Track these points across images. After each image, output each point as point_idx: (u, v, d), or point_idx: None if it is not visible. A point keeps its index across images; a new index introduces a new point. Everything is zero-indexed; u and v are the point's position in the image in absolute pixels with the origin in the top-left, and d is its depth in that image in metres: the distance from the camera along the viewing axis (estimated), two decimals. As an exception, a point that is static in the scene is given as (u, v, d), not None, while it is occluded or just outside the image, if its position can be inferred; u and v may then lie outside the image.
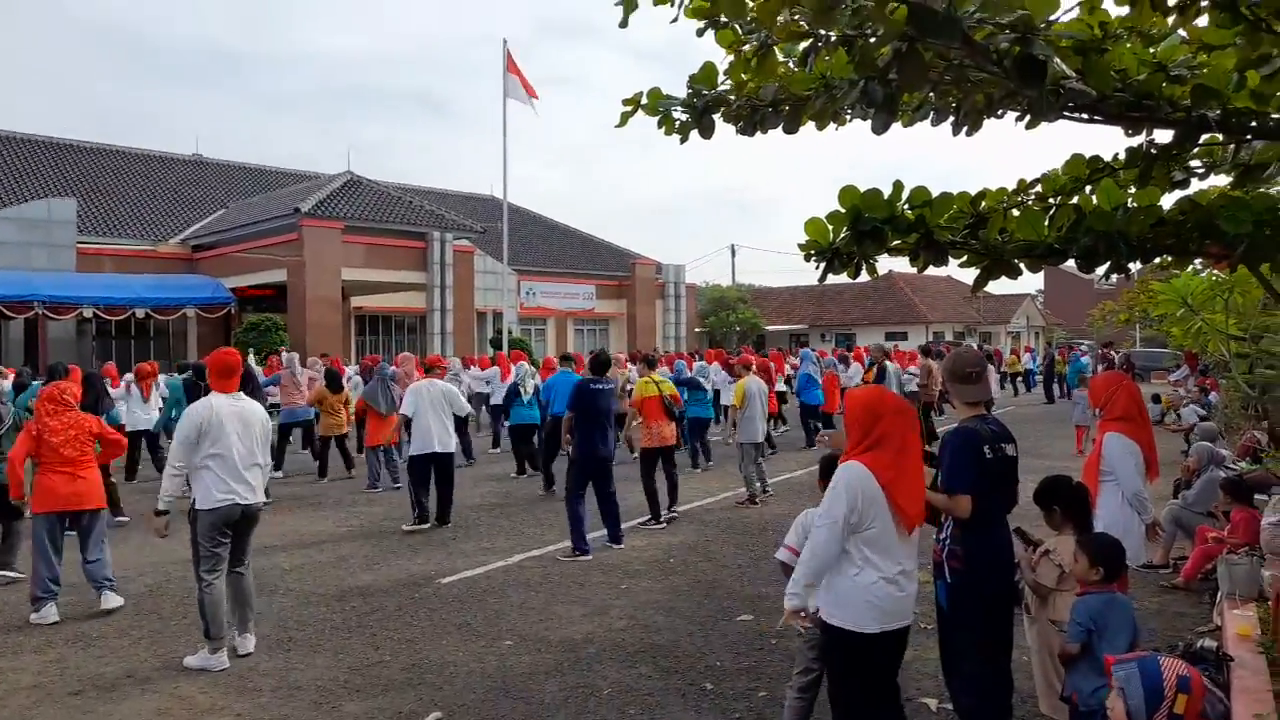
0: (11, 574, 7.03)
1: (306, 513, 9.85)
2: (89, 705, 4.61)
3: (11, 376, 11.49)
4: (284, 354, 14.42)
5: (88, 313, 21.80)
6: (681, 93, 4.17)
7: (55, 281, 21.54)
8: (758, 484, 10.13)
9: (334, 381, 12.39)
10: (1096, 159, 4.12)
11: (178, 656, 5.30)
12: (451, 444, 9.16)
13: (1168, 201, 3.78)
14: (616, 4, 3.07)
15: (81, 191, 26.87)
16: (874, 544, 3.21)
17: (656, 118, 4.19)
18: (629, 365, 15.30)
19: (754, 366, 10.81)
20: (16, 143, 29.27)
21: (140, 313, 22.69)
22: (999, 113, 3.80)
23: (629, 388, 13.39)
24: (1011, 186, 4.38)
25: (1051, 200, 4.25)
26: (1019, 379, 29.72)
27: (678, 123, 4.21)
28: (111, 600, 6.28)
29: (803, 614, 3.36)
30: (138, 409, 11.43)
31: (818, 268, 3.92)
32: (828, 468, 4.12)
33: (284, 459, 12.46)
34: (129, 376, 11.96)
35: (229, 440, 5.25)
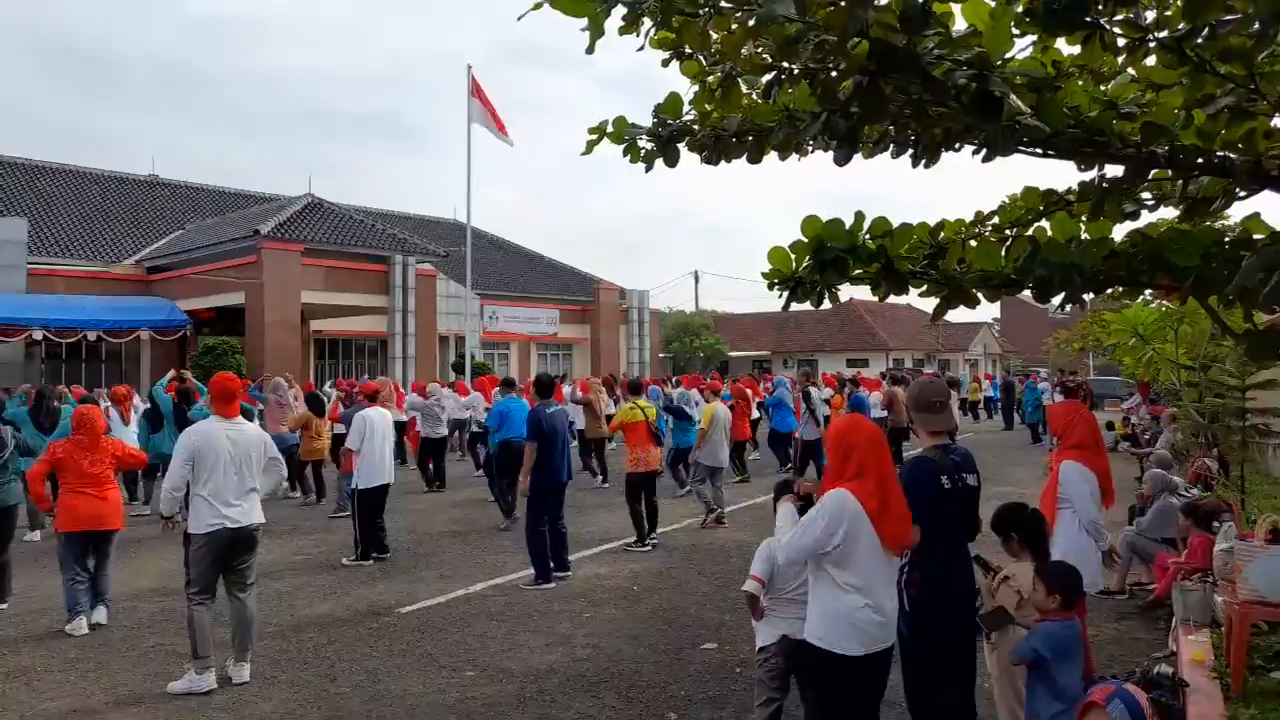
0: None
1: (263, 541, 9.61)
2: (30, 743, 4.44)
3: None
4: (270, 378, 14.03)
5: (37, 334, 21.27)
6: (647, 121, 4.21)
7: (3, 302, 21.00)
8: (713, 504, 10.29)
9: (317, 405, 12.16)
10: (1051, 192, 4.23)
11: (126, 690, 5.14)
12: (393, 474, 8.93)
13: (1119, 233, 3.89)
14: (584, 30, 3.10)
15: (33, 211, 26.32)
16: (858, 571, 3.26)
17: (622, 146, 4.23)
18: (603, 391, 15.27)
19: (722, 391, 11.04)
20: (-34, 161, 28.62)
21: (92, 335, 22.21)
22: (956, 146, 3.89)
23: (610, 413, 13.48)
24: (969, 218, 4.49)
25: (1008, 232, 4.35)
26: (979, 406, 30.15)
27: (643, 151, 4.25)
28: (101, 615, 6.47)
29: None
30: (120, 433, 11.11)
31: (781, 296, 3.96)
32: (781, 494, 4.17)
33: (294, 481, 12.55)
34: (105, 403, 11.75)
35: (222, 466, 5.25)
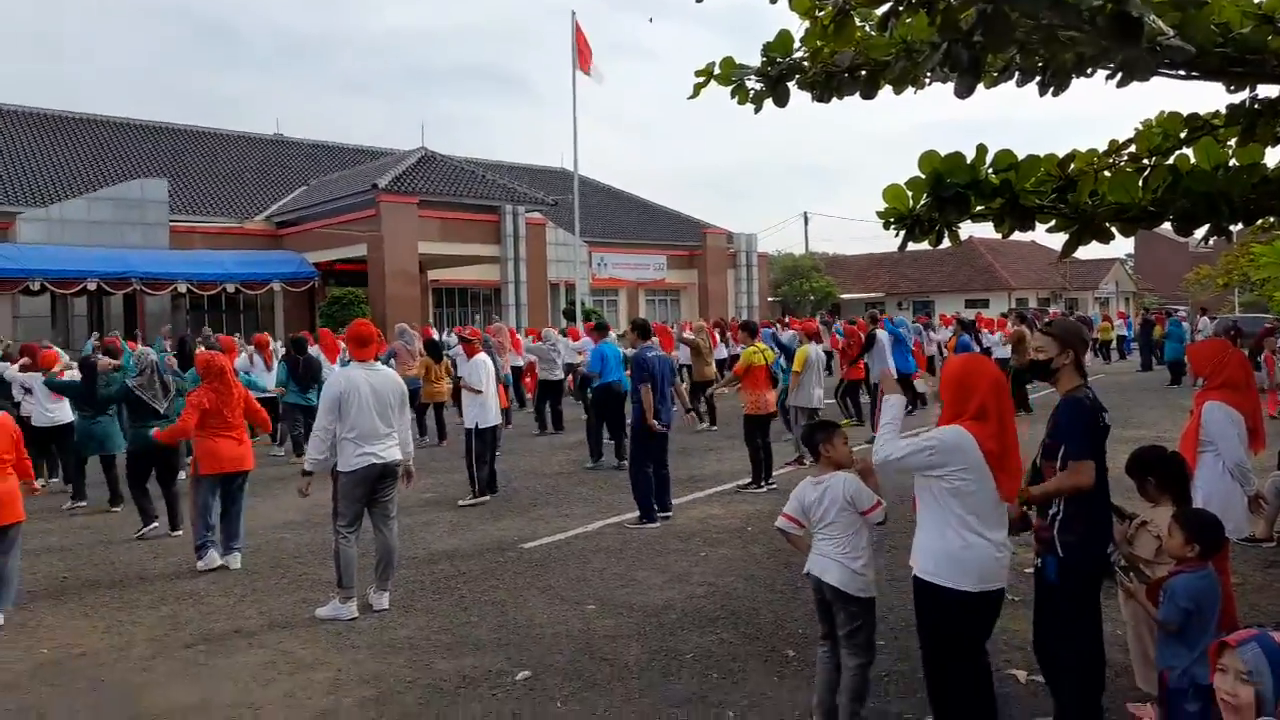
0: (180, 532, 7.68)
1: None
2: (201, 658, 4.92)
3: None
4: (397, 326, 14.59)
5: (181, 288, 22.78)
6: (754, 61, 4.14)
7: (150, 259, 22.54)
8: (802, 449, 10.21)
9: (434, 350, 12.72)
10: (1194, 116, 3.97)
11: (279, 614, 5.60)
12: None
13: (1272, 159, 3.63)
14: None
15: (172, 172, 27.96)
16: (978, 511, 3.25)
17: (730, 88, 4.19)
18: (704, 333, 15.28)
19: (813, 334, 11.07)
20: (111, 126, 30.62)
21: (230, 288, 23.63)
22: (1089, 71, 3.68)
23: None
24: (1098, 143, 4.26)
25: (1145, 161, 4.11)
26: (1110, 346, 28.55)
27: (751, 92, 4.19)
28: (235, 561, 6.73)
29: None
30: (261, 377, 11.89)
31: (897, 235, 3.88)
32: (808, 438, 4.25)
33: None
34: (249, 347, 12.62)
35: (365, 407, 5.59)
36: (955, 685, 3.37)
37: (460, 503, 8.79)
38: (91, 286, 21.29)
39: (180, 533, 7.69)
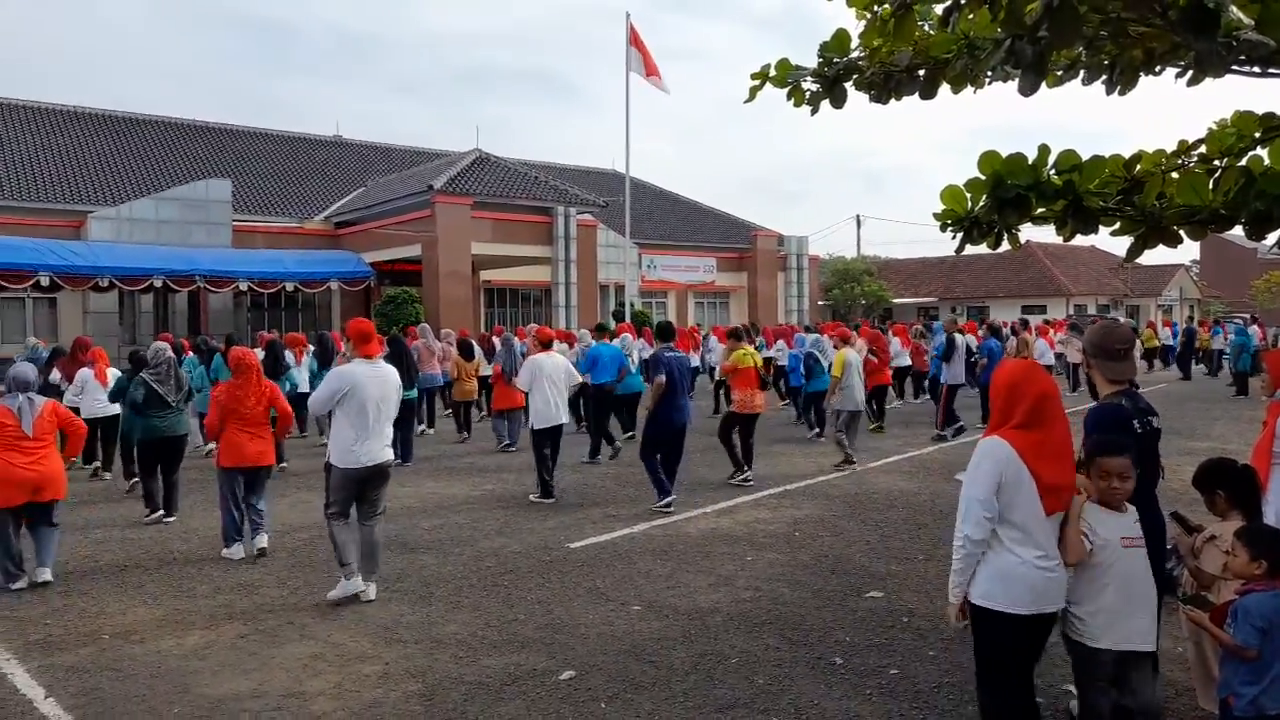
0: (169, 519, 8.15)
1: (443, 477, 10.32)
2: (253, 648, 5.01)
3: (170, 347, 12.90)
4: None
5: (243, 286, 23.35)
6: (809, 62, 4.09)
7: (214, 257, 23.15)
8: (849, 449, 10.50)
9: (466, 350, 13.17)
10: (1270, 115, 3.81)
11: (330, 606, 5.69)
12: (566, 415, 9.26)
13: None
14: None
15: (236, 172, 28.71)
16: (1022, 526, 3.12)
17: (785, 89, 4.14)
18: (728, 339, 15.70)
19: (853, 339, 11.42)
20: (177, 128, 31.55)
21: (290, 286, 24.15)
22: (1157, 69, 3.56)
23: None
24: (1162, 151, 4.11)
25: (1216, 162, 3.96)
26: (1154, 355, 27.39)
27: (808, 94, 4.14)
28: (264, 540, 6.98)
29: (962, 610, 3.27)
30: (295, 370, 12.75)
31: (954, 238, 3.80)
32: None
33: (434, 418, 14.38)
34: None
35: (365, 403, 5.69)
36: (1007, 708, 3.28)
37: (531, 498, 8.93)
38: (158, 284, 21.93)
39: (174, 518, 8.13)
